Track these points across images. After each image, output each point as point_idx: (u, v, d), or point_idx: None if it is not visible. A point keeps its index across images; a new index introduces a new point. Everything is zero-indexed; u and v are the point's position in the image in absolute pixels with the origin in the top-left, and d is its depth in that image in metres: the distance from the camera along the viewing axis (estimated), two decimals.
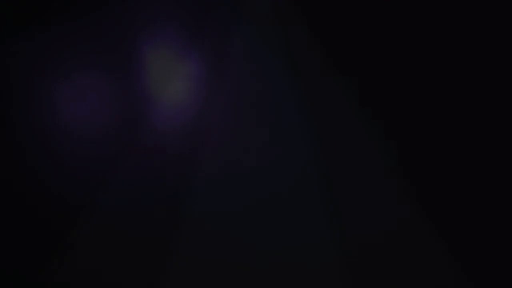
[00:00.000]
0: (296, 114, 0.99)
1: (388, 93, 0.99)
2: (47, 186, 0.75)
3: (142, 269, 0.77)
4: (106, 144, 0.82)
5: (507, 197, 0.86)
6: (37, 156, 0.77)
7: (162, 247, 0.79)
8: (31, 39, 0.87)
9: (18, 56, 0.87)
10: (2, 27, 0.93)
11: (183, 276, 0.77)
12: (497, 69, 0.98)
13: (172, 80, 0.92)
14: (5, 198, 0.76)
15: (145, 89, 0.91)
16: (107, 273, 0.76)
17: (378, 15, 1.02)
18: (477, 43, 1.01)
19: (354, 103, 0.99)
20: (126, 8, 0.92)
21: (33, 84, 0.83)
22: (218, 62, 0.97)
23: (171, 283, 0.76)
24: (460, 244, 0.83)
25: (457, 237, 0.83)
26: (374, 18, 1.02)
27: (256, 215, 0.90)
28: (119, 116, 0.86)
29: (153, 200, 0.83)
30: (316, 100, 0.99)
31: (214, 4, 0.99)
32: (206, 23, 0.97)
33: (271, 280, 0.81)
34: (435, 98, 0.97)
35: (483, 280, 0.80)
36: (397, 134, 0.95)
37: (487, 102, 0.95)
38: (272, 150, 0.97)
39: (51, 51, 0.89)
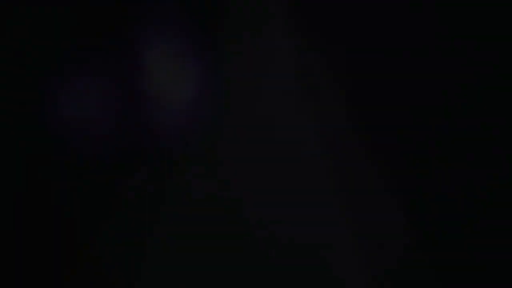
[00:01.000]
0: (295, 114, 1.00)
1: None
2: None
3: None
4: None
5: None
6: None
7: None
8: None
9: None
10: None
11: None
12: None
13: (174, 80, 0.93)
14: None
15: (147, 89, 0.92)
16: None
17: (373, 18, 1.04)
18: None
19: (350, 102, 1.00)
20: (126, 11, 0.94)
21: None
22: (215, 61, 0.98)
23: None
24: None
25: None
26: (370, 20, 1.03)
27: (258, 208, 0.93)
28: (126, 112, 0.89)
29: None
30: (316, 99, 1.01)
31: (209, 6, 0.99)
32: (202, 25, 0.98)
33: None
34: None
35: None
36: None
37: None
38: (271, 147, 0.98)
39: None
